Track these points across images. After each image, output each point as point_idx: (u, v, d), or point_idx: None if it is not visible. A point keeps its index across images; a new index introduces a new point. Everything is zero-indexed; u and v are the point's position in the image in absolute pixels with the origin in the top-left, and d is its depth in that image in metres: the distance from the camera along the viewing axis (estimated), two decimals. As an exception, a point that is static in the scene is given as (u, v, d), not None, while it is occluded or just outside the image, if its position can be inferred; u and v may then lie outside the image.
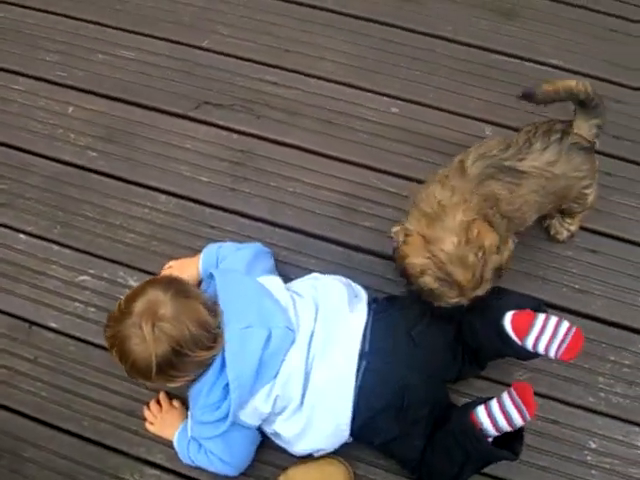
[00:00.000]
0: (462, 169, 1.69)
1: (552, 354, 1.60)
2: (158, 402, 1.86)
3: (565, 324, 1.59)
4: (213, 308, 1.65)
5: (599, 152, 1.86)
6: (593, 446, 1.84)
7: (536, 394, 1.82)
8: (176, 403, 1.84)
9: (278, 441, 1.76)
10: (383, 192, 2.10)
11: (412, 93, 2.25)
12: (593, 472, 1.81)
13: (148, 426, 1.84)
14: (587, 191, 1.83)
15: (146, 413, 1.85)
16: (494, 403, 1.57)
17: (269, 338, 1.63)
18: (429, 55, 2.32)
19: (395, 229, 1.77)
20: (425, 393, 1.70)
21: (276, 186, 2.12)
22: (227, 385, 1.61)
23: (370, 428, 1.69)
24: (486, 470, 1.75)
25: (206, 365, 1.63)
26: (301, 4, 2.39)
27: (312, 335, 1.70)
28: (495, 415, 1.56)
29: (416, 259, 1.62)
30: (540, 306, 1.69)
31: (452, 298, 1.63)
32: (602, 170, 2.04)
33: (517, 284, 1.96)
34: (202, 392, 1.64)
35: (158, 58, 2.30)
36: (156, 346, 1.54)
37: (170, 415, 1.83)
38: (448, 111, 2.22)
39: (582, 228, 2.03)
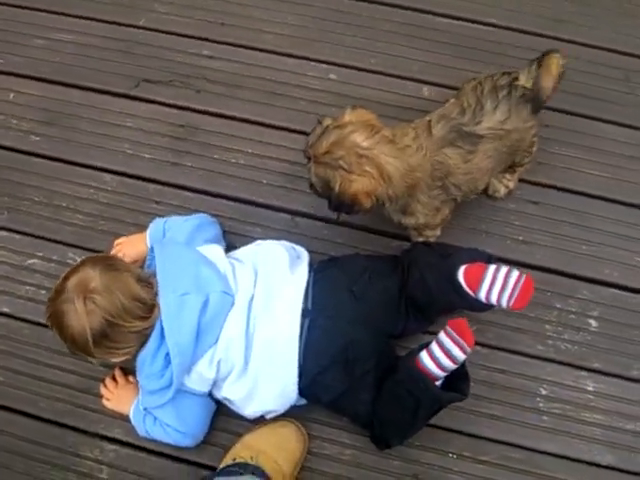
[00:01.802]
0: (429, 128, 1.72)
1: (504, 304, 1.63)
2: (114, 378, 1.87)
3: (515, 273, 1.62)
4: (147, 279, 1.68)
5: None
6: (544, 393, 1.87)
7: (485, 345, 1.90)
8: (132, 378, 1.86)
9: (231, 406, 1.78)
10: (326, 158, 2.11)
11: (354, 59, 2.26)
12: (545, 418, 1.84)
13: (105, 402, 1.85)
14: (535, 139, 1.86)
15: (102, 390, 1.87)
16: (434, 345, 1.59)
17: (206, 303, 1.65)
18: (370, 21, 2.33)
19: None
20: (370, 347, 1.72)
21: (218, 158, 2.12)
22: (169, 353, 1.63)
23: (318, 385, 1.71)
24: (439, 422, 1.80)
25: (145, 336, 1.65)
26: (234, -24, 2.39)
27: (252, 299, 1.71)
28: (437, 356, 1.58)
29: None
30: (491, 258, 1.72)
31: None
32: (540, 122, 2.07)
33: (461, 239, 1.99)
34: (146, 361, 1.66)
35: (95, 39, 2.29)
36: (89, 319, 1.57)
37: (126, 390, 1.84)
38: (387, 74, 2.23)
39: (523, 180, 2.05)
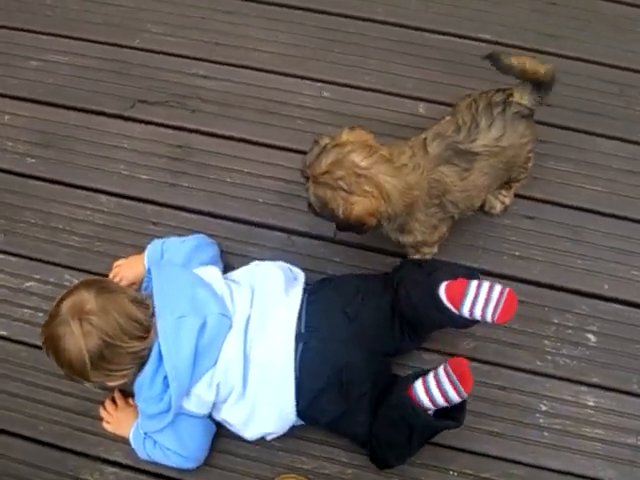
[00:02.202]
0: (425, 146, 1.73)
1: (489, 318, 1.61)
2: (114, 401, 1.86)
3: (498, 288, 1.61)
4: (142, 301, 1.68)
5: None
6: (544, 409, 1.87)
7: (484, 362, 1.90)
8: (132, 401, 1.85)
9: (231, 428, 1.77)
10: (322, 176, 2.12)
11: (347, 77, 2.27)
12: (545, 434, 1.84)
13: (105, 425, 1.85)
14: (531, 155, 1.87)
15: (102, 412, 1.86)
16: (431, 379, 1.59)
17: (204, 326, 1.65)
18: (362, 39, 2.34)
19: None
20: (365, 369, 1.72)
21: (215, 178, 2.13)
22: (167, 376, 1.62)
23: (315, 408, 1.71)
24: (439, 441, 1.79)
25: (141, 358, 1.65)
26: (228, -4, 2.40)
27: (248, 320, 1.72)
28: (432, 393, 1.59)
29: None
30: (474, 274, 1.71)
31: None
32: (536, 138, 2.09)
33: (458, 256, 2.00)
34: (144, 385, 1.66)
35: (90, 60, 2.30)
36: (86, 340, 1.57)
37: (126, 413, 1.84)
38: (382, 92, 2.24)
39: (518, 196, 2.06)
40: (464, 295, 1.62)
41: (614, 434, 1.84)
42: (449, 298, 1.63)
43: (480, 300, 1.61)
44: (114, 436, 1.84)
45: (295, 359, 1.68)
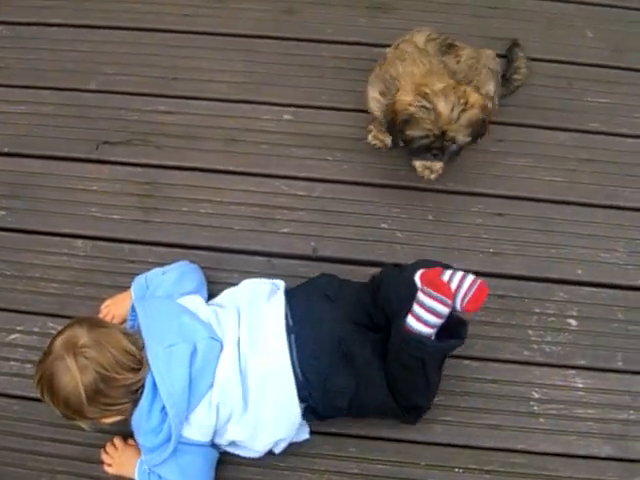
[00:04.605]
0: (422, 51, 1.92)
1: (457, 305, 1.66)
2: (114, 445, 1.85)
3: (470, 277, 1.66)
4: (132, 335, 1.70)
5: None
6: (536, 396, 1.92)
7: (473, 358, 1.95)
8: (131, 441, 1.84)
9: (238, 451, 1.79)
10: (293, 197, 2.16)
11: (306, 98, 2.30)
12: (541, 420, 1.90)
13: (107, 468, 1.84)
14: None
15: (103, 456, 1.85)
16: (415, 307, 1.65)
17: (194, 352, 1.68)
18: (316, 60, 2.38)
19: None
20: (360, 338, 1.75)
21: (187, 210, 2.14)
22: (164, 407, 1.63)
23: (331, 393, 1.73)
24: (441, 440, 1.86)
25: (136, 392, 1.65)
26: (179, 32, 2.41)
27: (239, 339, 1.75)
28: (423, 317, 1.64)
29: (406, 97, 1.84)
30: (449, 266, 1.76)
31: (427, 125, 1.82)
32: (494, 137, 2.17)
33: (434, 259, 2.01)
34: (142, 418, 1.66)
35: (49, 108, 2.29)
36: (82, 374, 1.59)
37: (126, 453, 1.83)
38: (341, 109, 2.28)
39: (485, 195, 2.14)
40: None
41: (606, 412, 1.90)
42: (423, 282, 1.68)
43: (452, 287, 1.66)
44: (118, 478, 1.82)
45: (291, 354, 1.72)
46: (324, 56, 2.39)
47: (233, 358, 1.71)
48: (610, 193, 2.16)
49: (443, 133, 1.82)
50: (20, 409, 1.92)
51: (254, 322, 1.77)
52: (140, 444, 1.73)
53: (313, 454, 1.86)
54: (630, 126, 2.25)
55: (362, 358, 1.73)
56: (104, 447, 1.85)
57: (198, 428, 1.69)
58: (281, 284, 1.89)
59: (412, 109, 1.81)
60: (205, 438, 1.72)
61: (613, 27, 2.42)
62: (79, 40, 2.40)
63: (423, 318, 1.63)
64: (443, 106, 1.79)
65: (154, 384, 1.65)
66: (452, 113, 1.79)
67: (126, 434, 1.84)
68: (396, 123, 1.86)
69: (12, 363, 1.97)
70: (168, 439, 1.66)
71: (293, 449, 1.83)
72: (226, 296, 1.89)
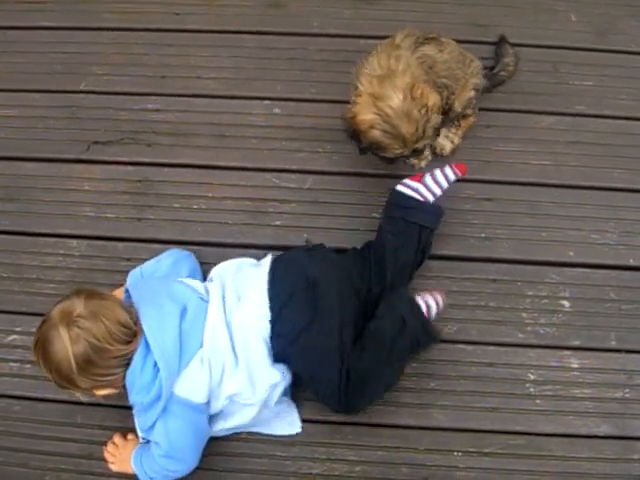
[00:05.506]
0: (395, 46, 1.89)
1: (451, 174, 1.94)
2: (114, 443, 1.88)
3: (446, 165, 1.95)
4: (129, 308, 1.74)
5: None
6: (532, 378, 1.94)
7: (468, 342, 1.97)
8: (130, 436, 1.87)
9: (237, 416, 1.82)
10: (285, 189, 2.17)
11: (294, 92, 2.32)
12: (538, 401, 1.92)
13: (110, 466, 1.87)
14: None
15: (106, 454, 1.87)
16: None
17: (184, 310, 1.74)
18: (303, 53, 2.39)
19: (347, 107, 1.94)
20: (337, 295, 1.82)
21: (180, 207, 2.16)
22: (157, 364, 1.67)
23: (284, 321, 1.77)
24: (439, 424, 1.88)
25: (127, 360, 1.68)
26: (166, 30, 2.42)
27: (224, 296, 1.81)
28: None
29: (365, 115, 1.82)
30: None
31: (396, 149, 1.85)
32: (481, 124, 2.20)
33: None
34: (135, 374, 1.69)
35: (39, 110, 2.30)
36: (73, 344, 1.62)
37: (126, 449, 1.85)
38: (330, 101, 2.28)
39: (475, 180, 2.15)
40: (422, 176, 1.95)
41: (602, 391, 1.92)
42: (410, 179, 1.94)
43: (437, 171, 1.94)
44: (121, 475, 1.84)
45: (267, 289, 1.79)
46: (311, 49, 2.40)
47: (219, 312, 1.77)
48: (598, 175, 2.17)
49: (414, 149, 1.86)
50: (21, 409, 1.94)
51: (242, 282, 1.84)
52: (132, 403, 1.74)
53: (313, 443, 1.88)
54: (615, 108, 2.26)
55: (327, 309, 1.78)
56: (105, 445, 1.87)
57: (192, 385, 1.71)
58: (269, 255, 1.94)
59: (376, 134, 1.81)
60: (199, 398, 1.73)
61: (597, 10, 2.42)
62: (68, 42, 2.41)
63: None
64: (407, 128, 1.79)
65: (146, 341, 1.69)
66: (417, 132, 1.80)
67: (125, 431, 1.88)
68: (359, 136, 1.87)
69: (12, 364, 1.99)
70: (159, 397, 1.68)
71: (292, 439, 1.87)
72: (214, 271, 1.94)
